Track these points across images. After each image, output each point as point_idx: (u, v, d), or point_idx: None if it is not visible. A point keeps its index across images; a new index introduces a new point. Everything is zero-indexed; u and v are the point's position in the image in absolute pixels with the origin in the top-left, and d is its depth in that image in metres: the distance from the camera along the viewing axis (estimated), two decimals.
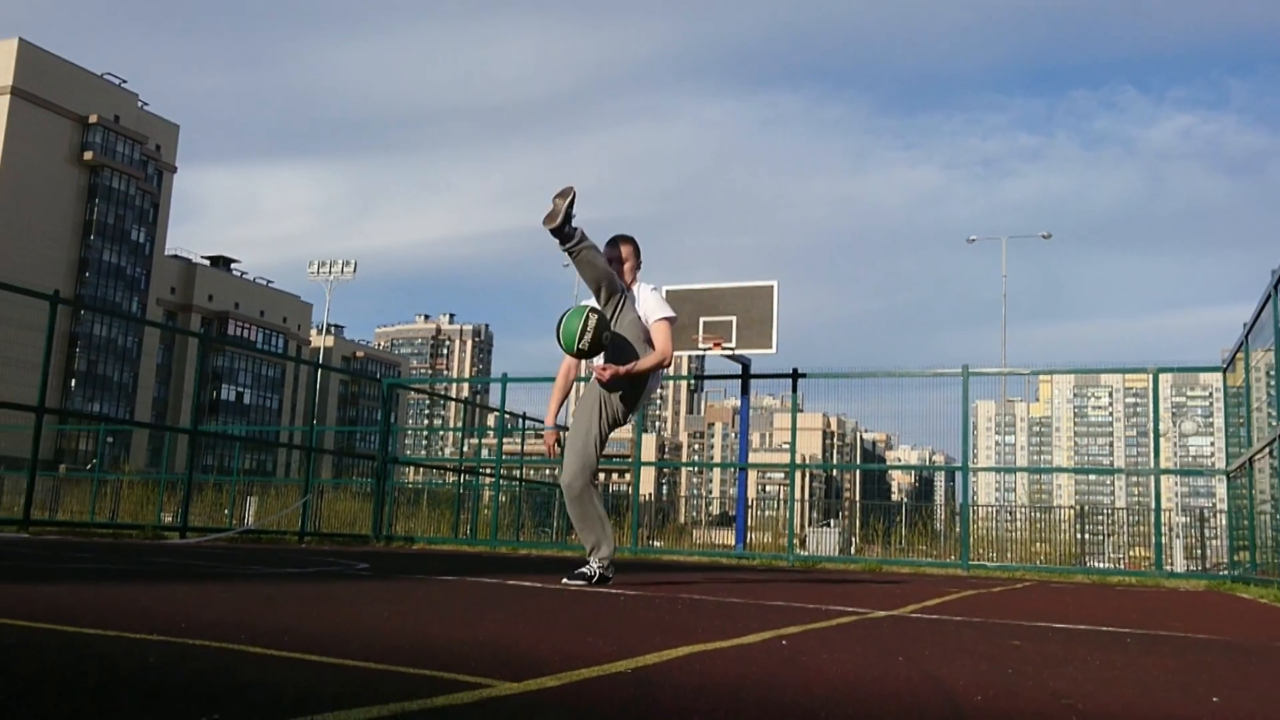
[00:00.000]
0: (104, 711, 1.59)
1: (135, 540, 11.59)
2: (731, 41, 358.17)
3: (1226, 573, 13.33)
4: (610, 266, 5.71)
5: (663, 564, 11.71)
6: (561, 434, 6.24)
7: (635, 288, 5.88)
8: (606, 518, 5.83)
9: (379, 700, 1.72)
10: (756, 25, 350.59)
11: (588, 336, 5.42)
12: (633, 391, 5.74)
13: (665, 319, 5.75)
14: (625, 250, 5.92)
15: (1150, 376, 13.37)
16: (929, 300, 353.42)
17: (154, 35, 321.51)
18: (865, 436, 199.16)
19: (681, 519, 32.27)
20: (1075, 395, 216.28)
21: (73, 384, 76.62)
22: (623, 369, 5.56)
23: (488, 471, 19.93)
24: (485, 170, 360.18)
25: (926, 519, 21.88)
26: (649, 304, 5.79)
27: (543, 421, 6.33)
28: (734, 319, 14.34)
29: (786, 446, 18.06)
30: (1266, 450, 9.88)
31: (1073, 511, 22.71)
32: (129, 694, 1.75)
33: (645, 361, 5.63)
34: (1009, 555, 17.73)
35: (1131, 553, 21.87)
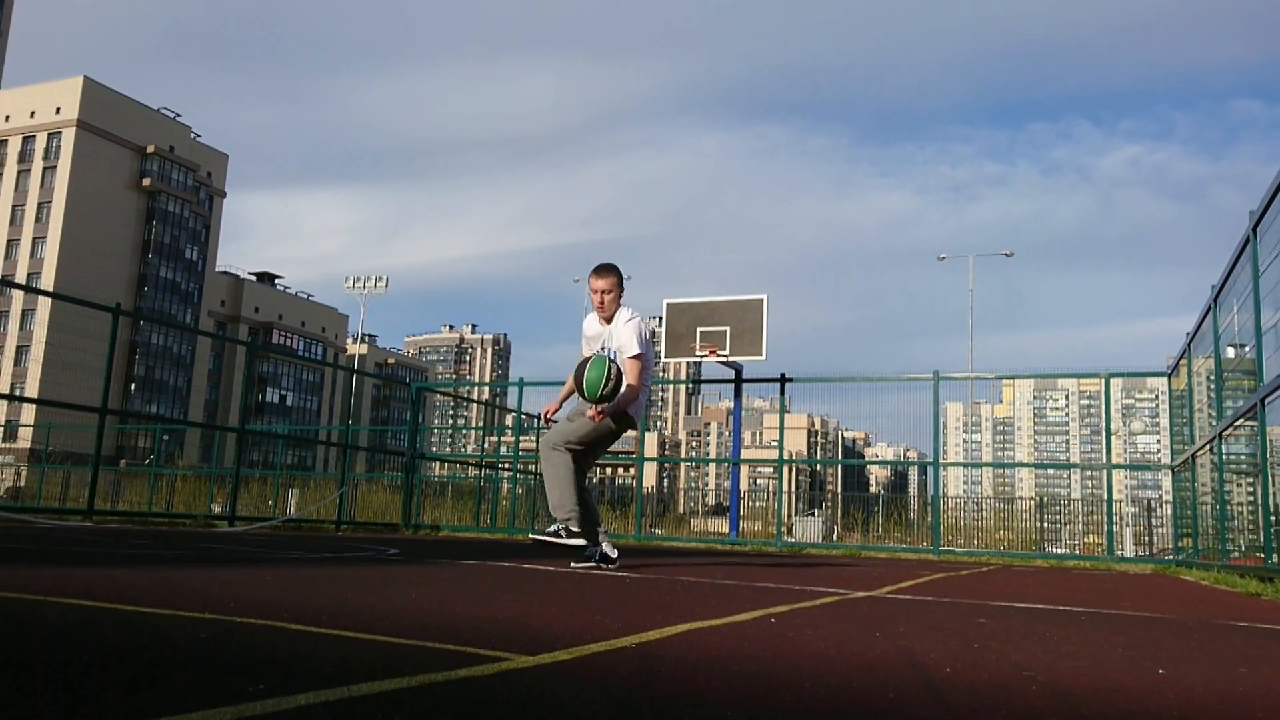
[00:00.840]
0: (160, 681, 1.59)
1: (188, 528, 11.59)
2: (725, 79, 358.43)
3: (1171, 558, 13.29)
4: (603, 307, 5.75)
5: (663, 549, 11.69)
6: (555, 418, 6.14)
7: (617, 315, 5.78)
8: (577, 488, 5.75)
9: (408, 672, 1.72)
10: (748, 65, 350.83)
11: (610, 385, 5.48)
12: (616, 419, 5.79)
13: (633, 357, 5.69)
14: (609, 281, 5.77)
15: (1103, 381, 13.35)
16: (903, 312, 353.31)
17: (206, 73, 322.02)
18: (846, 435, 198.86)
19: (680, 509, 32.22)
20: (1035, 398, 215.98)
21: (132, 387, 76.67)
22: (605, 408, 5.68)
23: (506, 466, 19.91)
24: (503, 195, 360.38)
25: (901, 509, 21.85)
26: (621, 339, 5.73)
27: (556, 422, 6.24)
28: (727, 329, 14.33)
29: (775, 444, 18.24)
30: (1207, 447, 9.86)
31: (1033, 502, 22.65)
32: (182, 666, 1.75)
33: (619, 401, 5.71)
34: (976, 542, 17.69)
35: (1086, 539, 21.79)
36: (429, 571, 4.97)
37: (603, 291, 5.74)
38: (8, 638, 2.00)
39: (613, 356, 5.73)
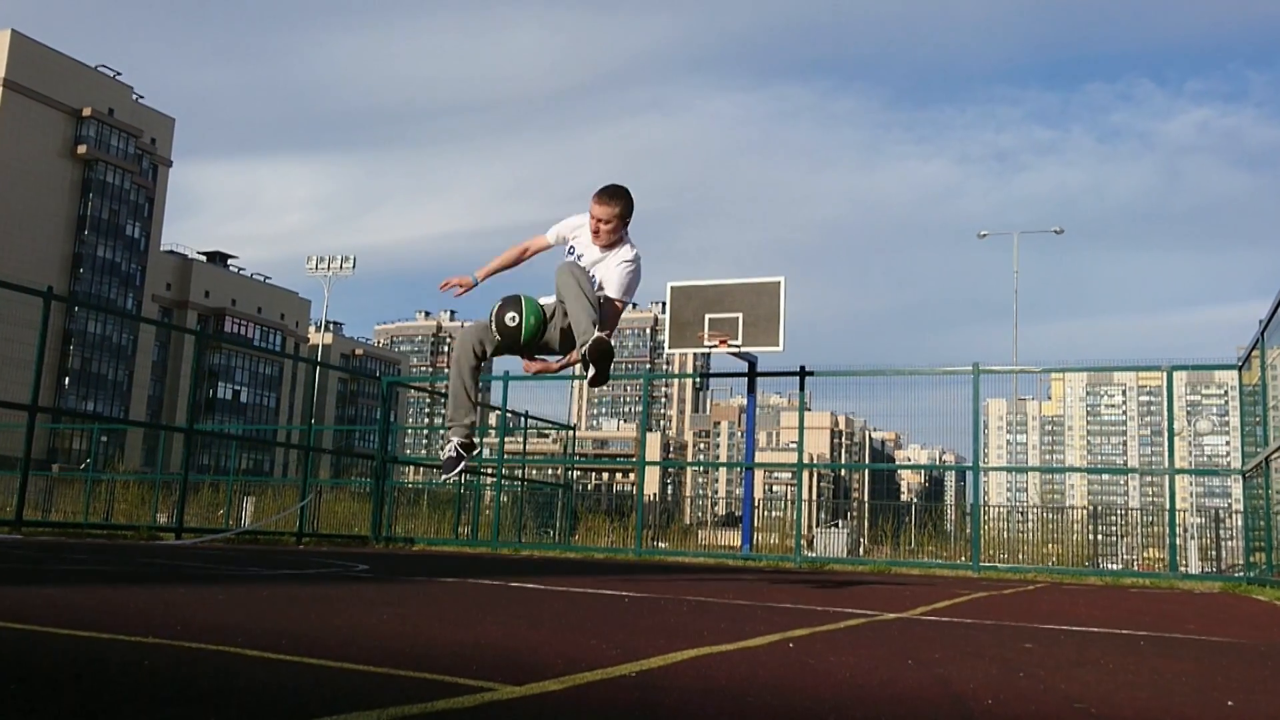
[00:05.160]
0: (99, 714, 1.59)
1: (130, 541, 11.60)
2: (740, 33, 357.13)
3: (1242, 574, 13.31)
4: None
5: (668, 565, 11.71)
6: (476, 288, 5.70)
7: (619, 248, 5.45)
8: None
9: (378, 704, 1.72)
10: (766, 17, 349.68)
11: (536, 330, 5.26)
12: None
13: (619, 301, 5.40)
14: (613, 210, 5.38)
15: (1165, 374, 13.35)
16: (939, 297, 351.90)
17: (149, 26, 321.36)
18: (874, 435, 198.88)
19: (687, 520, 32.28)
20: (1088, 393, 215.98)
21: (66, 382, 76.67)
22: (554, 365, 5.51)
23: (489, 471, 19.93)
24: (489, 165, 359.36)
25: (936, 520, 21.91)
26: (612, 279, 5.40)
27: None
28: (740, 316, 14.32)
29: (794, 446, 18.27)
30: None
31: (1085, 512, 22.72)
32: (125, 697, 1.75)
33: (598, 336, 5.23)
34: (1020, 557, 17.71)
35: (1145, 554, 21.83)
36: (402, 590, 4.97)
37: (601, 221, 5.39)
38: None
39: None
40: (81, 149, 79.08)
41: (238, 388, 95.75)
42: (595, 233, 5.41)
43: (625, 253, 5.46)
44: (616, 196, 5.42)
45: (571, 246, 5.55)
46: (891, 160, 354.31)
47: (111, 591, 4.16)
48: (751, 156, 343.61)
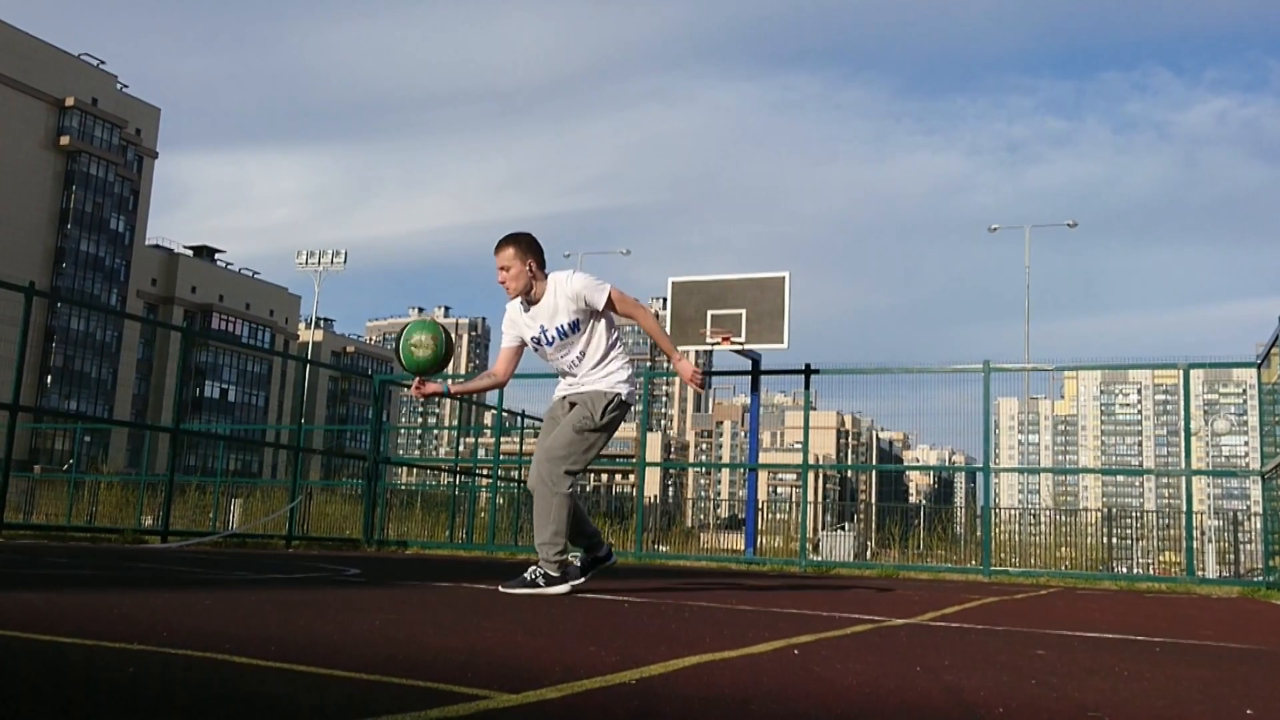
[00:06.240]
0: None
1: (114, 544, 11.61)
2: (745, 20, 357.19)
3: (1261, 579, 13.31)
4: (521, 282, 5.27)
5: (669, 569, 11.71)
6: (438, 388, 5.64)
7: (550, 285, 5.27)
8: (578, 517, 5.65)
9: (370, 713, 1.72)
10: (769, 3, 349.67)
11: (442, 350, 5.26)
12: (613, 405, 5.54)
13: (614, 292, 5.30)
14: (506, 255, 5.26)
15: (1181, 372, 13.34)
16: (949, 293, 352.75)
17: (134, 13, 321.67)
18: (882, 436, 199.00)
19: (688, 522, 32.36)
20: (1102, 392, 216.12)
21: (48, 380, 76.71)
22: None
23: (485, 472, 19.94)
24: (485, 156, 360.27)
25: (946, 522, 21.89)
26: (578, 295, 5.24)
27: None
28: (743, 312, 14.32)
29: (799, 446, 18.39)
30: None
31: (1100, 515, 22.73)
32: (107, 705, 1.75)
33: (661, 338, 5.49)
34: (1032, 560, 17.73)
35: (1161, 558, 21.87)
36: (395, 595, 4.98)
37: (501, 269, 5.27)
38: None
39: (555, 336, 5.33)
40: (64, 140, 79.10)
41: (225, 386, 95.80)
42: (503, 285, 5.31)
43: (559, 277, 5.33)
44: (505, 240, 5.34)
45: (535, 336, 5.42)
46: (900, 152, 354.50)
47: (95, 596, 4.16)
48: (756, 148, 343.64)
